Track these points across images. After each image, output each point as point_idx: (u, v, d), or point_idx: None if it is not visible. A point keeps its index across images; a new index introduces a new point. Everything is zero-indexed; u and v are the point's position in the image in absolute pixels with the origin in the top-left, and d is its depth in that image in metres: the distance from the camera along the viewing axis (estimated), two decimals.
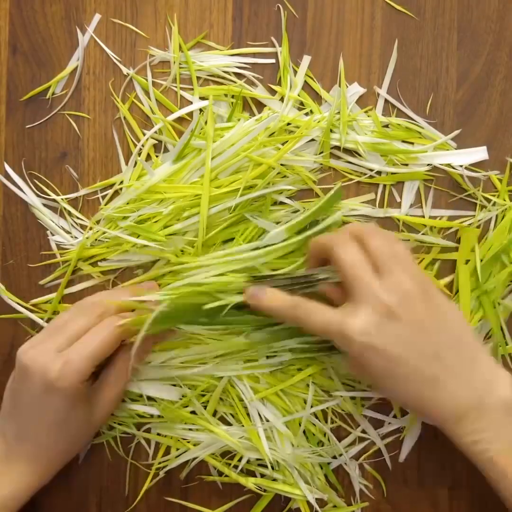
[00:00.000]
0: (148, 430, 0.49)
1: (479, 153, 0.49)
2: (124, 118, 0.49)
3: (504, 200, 0.49)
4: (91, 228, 0.49)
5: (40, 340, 0.43)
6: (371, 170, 0.48)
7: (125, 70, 0.49)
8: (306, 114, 0.49)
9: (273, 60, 0.49)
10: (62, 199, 0.49)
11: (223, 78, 0.49)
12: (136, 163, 0.48)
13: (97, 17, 0.50)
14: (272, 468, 0.48)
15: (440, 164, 0.49)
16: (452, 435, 0.40)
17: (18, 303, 0.49)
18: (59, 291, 0.49)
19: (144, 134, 0.49)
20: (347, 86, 0.49)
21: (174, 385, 0.48)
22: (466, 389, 0.39)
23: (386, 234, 0.42)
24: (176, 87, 0.49)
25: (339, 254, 0.40)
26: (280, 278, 0.43)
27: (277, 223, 0.47)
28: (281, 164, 0.47)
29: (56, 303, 0.49)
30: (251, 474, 0.48)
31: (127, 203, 0.47)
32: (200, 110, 0.48)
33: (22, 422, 0.43)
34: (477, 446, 0.39)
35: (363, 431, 0.49)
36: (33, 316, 0.49)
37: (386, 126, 0.49)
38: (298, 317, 0.41)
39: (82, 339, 0.42)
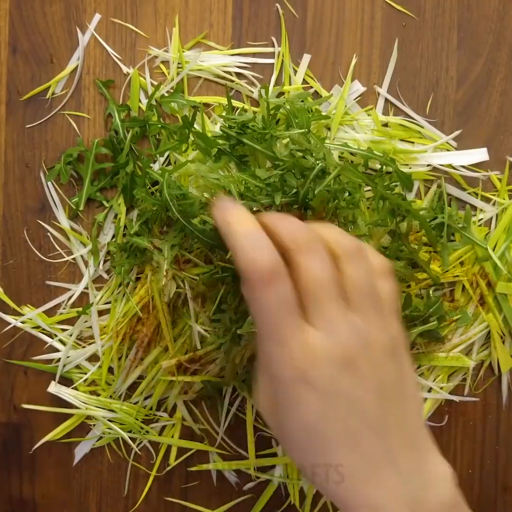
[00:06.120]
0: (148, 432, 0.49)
1: (480, 154, 0.49)
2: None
3: (504, 199, 0.49)
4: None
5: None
6: (372, 169, 0.48)
7: (125, 69, 0.49)
8: None
9: (273, 60, 0.49)
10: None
11: (223, 78, 0.49)
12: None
13: (97, 17, 0.50)
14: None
15: (440, 165, 0.49)
16: None
17: (14, 309, 0.50)
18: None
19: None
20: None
21: None
22: (404, 485, 0.30)
23: (373, 258, 0.33)
24: (172, 90, 0.49)
25: (302, 263, 0.30)
26: None
27: None
28: None
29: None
30: (248, 477, 0.48)
31: None
32: (195, 107, 0.49)
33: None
34: None
35: None
36: (26, 326, 0.49)
37: (386, 125, 0.49)
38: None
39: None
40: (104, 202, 0.49)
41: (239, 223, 0.31)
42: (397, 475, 0.30)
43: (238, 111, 0.48)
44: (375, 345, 0.31)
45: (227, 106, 0.47)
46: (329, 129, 0.48)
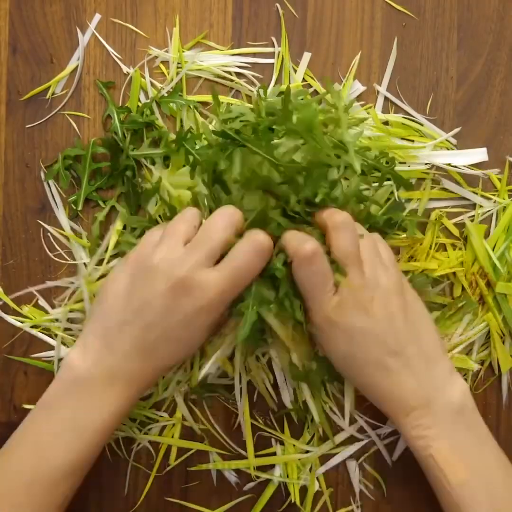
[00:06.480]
0: (148, 432, 0.49)
1: (479, 155, 0.49)
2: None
3: (504, 199, 0.49)
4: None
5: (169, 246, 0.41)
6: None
7: (125, 68, 0.49)
8: None
9: (273, 60, 0.49)
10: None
11: (223, 78, 0.49)
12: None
13: (97, 17, 0.50)
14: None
15: (439, 164, 0.49)
16: (400, 428, 0.42)
17: (14, 309, 0.50)
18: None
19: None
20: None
21: None
22: (419, 387, 0.41)
23: (378, 239, 0.45)
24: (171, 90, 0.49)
25: (336, 240, 0.41)
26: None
27: None
28: None
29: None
30: (248, 477, 0.48)
31: None
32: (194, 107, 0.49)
33: (146, 331, 0.40)
34: (420, 441, 0.41)
35: (362, 430, 0.49)
36: (26, 327, 0.49)
37: (386, 124, 0.49)
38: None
39: (229, 255, 0.40)
40: (100, 203, 0.49)
41: (289, 233, 0.42)
42: (414, 380, 0.41)
43: (225, 107, 0.48)
44: (383, 286, 0.41)
45: (223, 104, 0.47)
46: (326, 126, 0.48)
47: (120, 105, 0.49)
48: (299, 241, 0.40)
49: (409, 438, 0.42)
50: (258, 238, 0.40)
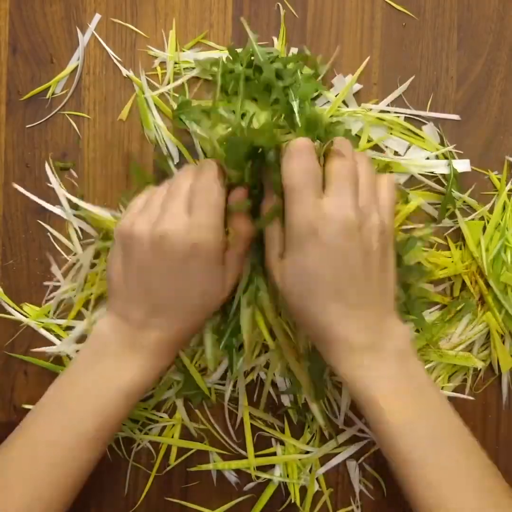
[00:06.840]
0: (148, 432, 0.49)
1: (462, 165, 0.48)
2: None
3: (503, 200, 0.49)
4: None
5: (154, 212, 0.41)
6: None
7: (125, 71, 0.49)
8: None
9: None
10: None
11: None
12: None
13: (97, 17, 0.50)
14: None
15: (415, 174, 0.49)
16: (341, 369, 0.40)
17: (14, 308, 0.49)
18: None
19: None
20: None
21: None
22: (368, 327, 0.40)
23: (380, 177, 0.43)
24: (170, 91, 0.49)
25: (333, 158, 0.40)
26: None
27: None
28: None
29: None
30: (248, 477, 0.49)
31: None
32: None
33: (157, 296, 0.41)
34: (362, 382, 0.39)
35: (361, 430, 0.49)
36: (30, 321, 0.49)
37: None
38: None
39: (197, 198, 0.40)
40: None
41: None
42: (363, 322, 0.40)
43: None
44: (369, 223, 0.39)
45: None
46: None
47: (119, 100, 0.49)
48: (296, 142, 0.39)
49: (350, 379, 0.39)
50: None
